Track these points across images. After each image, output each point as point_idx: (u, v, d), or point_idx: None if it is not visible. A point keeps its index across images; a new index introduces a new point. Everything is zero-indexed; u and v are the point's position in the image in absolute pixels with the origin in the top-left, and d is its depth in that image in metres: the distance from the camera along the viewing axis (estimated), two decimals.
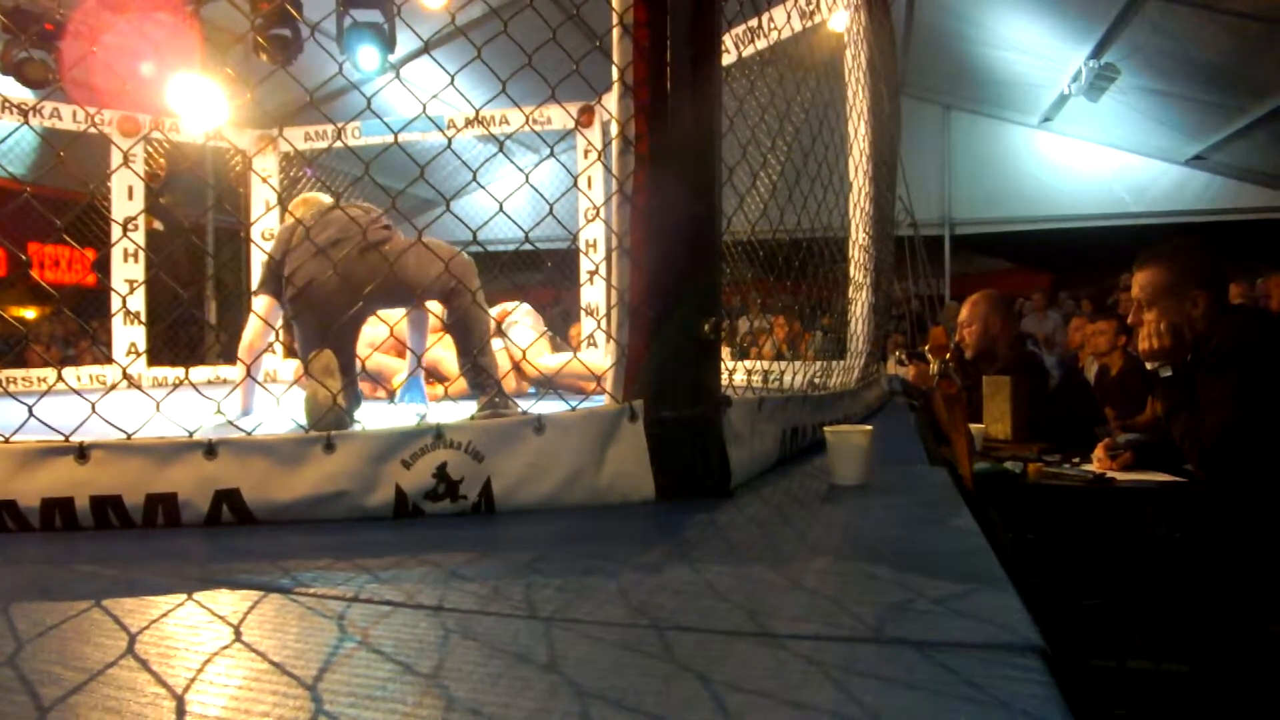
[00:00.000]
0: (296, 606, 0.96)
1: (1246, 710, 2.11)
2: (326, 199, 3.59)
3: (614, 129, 1.62)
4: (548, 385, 4.56)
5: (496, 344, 4.67)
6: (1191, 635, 2.34)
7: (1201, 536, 2.44)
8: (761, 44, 3.64)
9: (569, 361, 4.23)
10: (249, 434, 1.41)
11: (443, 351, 4.66)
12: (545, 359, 4.55)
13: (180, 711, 0.69)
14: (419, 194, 8.27)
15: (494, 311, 4.79)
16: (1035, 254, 12.99)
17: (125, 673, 0.77)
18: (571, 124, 5.85)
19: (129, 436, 1.38)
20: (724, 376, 1.63)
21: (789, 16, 2.96)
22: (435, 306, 3.30)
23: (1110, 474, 2.81)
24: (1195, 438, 2.31)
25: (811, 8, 3.35)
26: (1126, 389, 4.57)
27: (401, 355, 4.67)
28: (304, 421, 2.42)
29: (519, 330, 4.75)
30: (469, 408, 2.91)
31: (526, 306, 4.86)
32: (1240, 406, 2.21)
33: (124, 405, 1.40)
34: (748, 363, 3.45)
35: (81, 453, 1.34)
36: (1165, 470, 2.78)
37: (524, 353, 4.52)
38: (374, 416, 3.03)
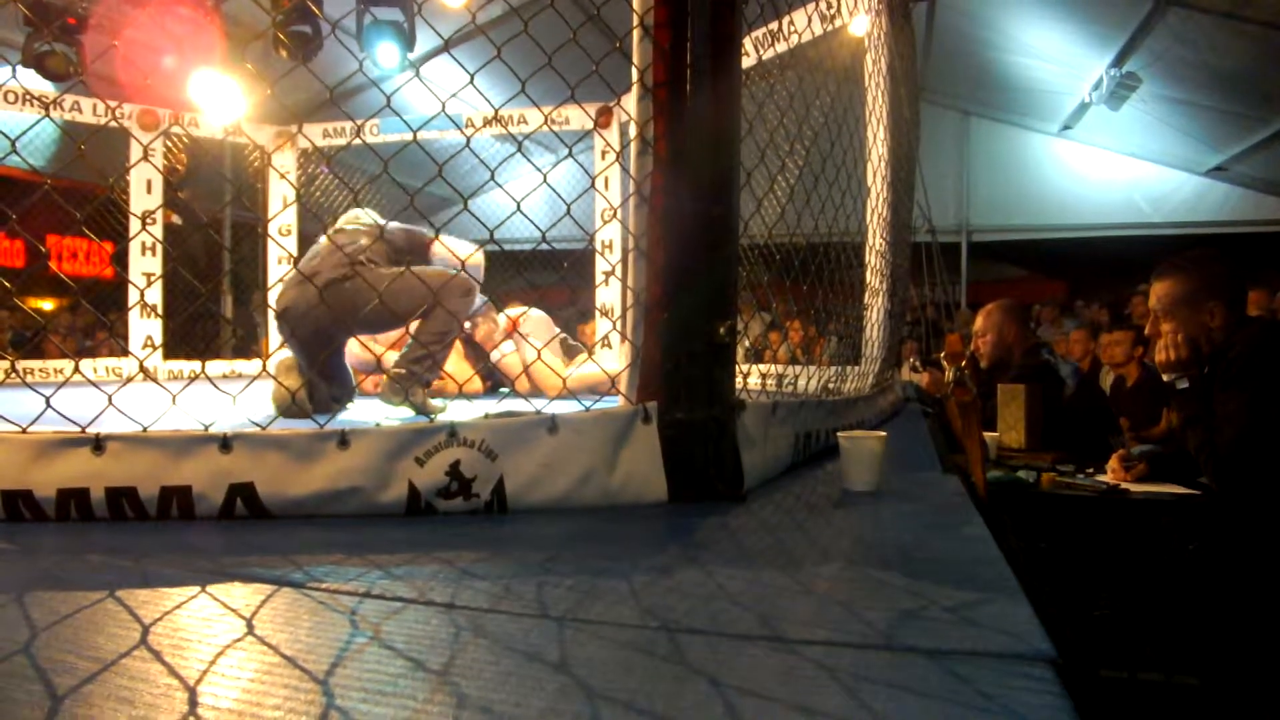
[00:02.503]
0: (309, 601, 0.97)
1: None
2: (367, 220, 3.55)
3: (633, 130, 1.62)
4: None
5: (508, 346, 4.67)
6: (1203, 648, 2.32)
7: (1215, 549, 2.42)
8: (782, 47, 3.64)
9: (584, 367, 4.20)
10: (263, 428, 1.42)
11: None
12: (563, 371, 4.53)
13: (192, 703, 0.69)
14: (436, 192, 8.28)
15: (505, 315, 4.78)
16: (1052, 262, 12.91)
17: (138, 663, 0.77)
18: (590, 125, 5.86)
19: (145, 429, 1.39)
20: (738, 380, 1.63)
21: (809, 20, 2.95)
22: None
23: (1124, 485, 2.80)
24: (1211, 450, 2.29)
25: (832, 12, 3.34)
26: (1142, 400, 4.55)
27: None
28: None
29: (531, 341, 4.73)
30: (482, 406, 2.93)
31: (539, 314, 4.83)
32: (1256, 419, 2.20)
33: (140, 398, 1.40)
34: (762, 366, 3.44)
35: (98, 444, 1.35)
36: (1180, 483, 2.76)
37: (531, 363, 4.51)
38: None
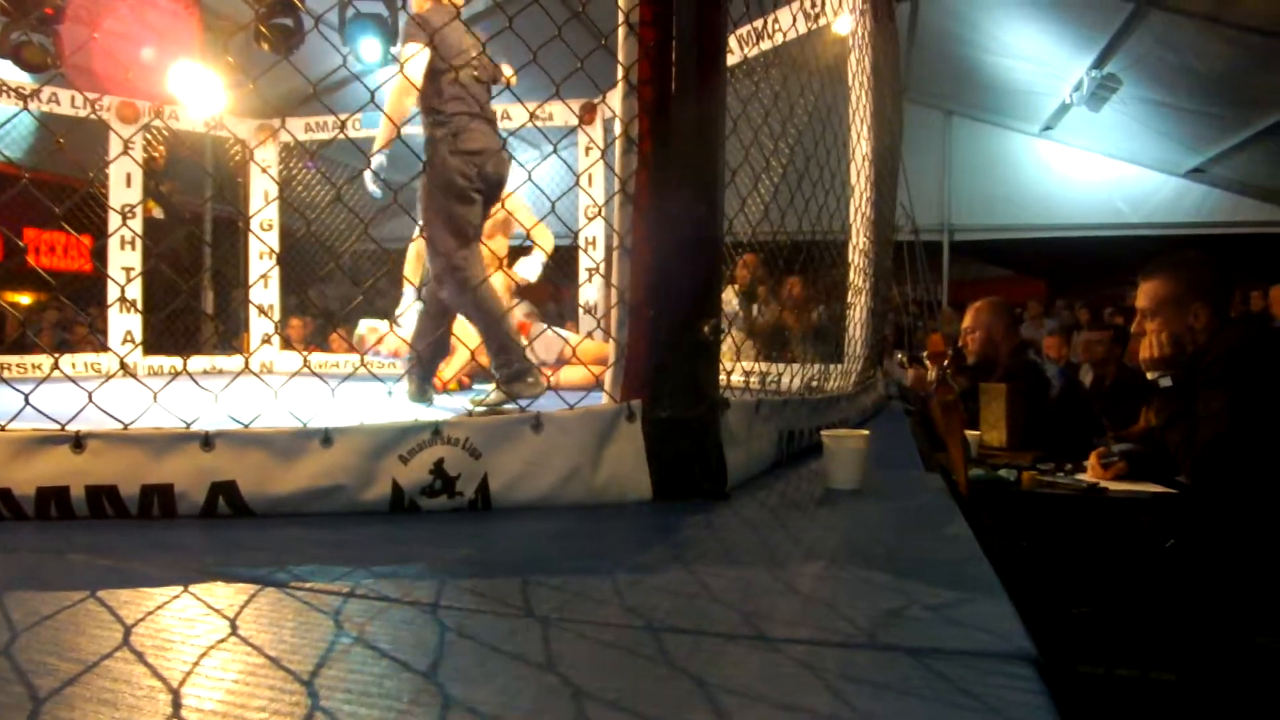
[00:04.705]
0: (293, 601, 0.96)
1: None
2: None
3: (617, 127, 1.62)
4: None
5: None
6: (1180, 644, 2.35)
7: (1192, 547, 2.44)
8: (766, 45, 3.65)
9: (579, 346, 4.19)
10: (246, 426, 1.41)
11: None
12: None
13: (176, 705, 0.69)
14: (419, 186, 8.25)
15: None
16: (1032, 262, 13.01)
17: (121, 665, 0.77)
18: (574, 121, 5.85)
19: (126, 426, 1.38)
20: (722, 378, 1.63)
21: (794, 18, 2.96)
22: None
23: (1103, 484, 2.82)
24: (1189, 448, 2.32)
25: (816, 10, 3.35)
26: (1120, 399, 4.58)
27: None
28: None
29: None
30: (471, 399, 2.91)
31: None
32: (1235, 419, 2.22)
33: (120, 395, 1.39)
34: (746, 364, 3.45)
35: (78, 442, 1.34)
36: (1158, 481, 2.78)
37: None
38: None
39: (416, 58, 2.80)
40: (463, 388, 4.48)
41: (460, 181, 2.83)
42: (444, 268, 2.89)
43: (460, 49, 2.84)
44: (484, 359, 3.93)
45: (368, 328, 4.67)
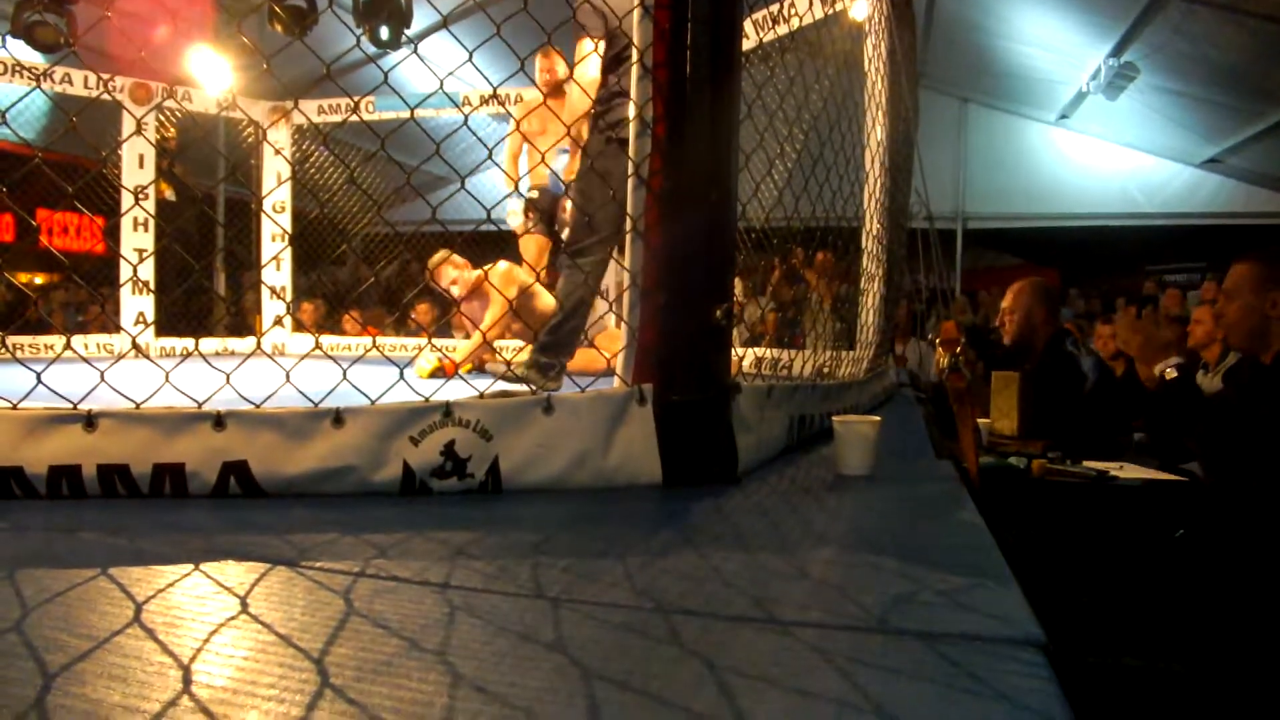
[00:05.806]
0: (303, 580, 0.96)
1: (1240, 713, 2.12)
2: None
3: (631, 111, 1.61)
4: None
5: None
6: (1188, 635, 2.34)
7: (1202, 535, 2.44)
8: (782, 30, 3.62)
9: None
10: (258, 406, 1.41)
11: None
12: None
13: (186, 681, 0.69)
14: (432, 170, 8.23)
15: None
16: (1046, 251, 12.90)
17: (132, 641, 0.77)
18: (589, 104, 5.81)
19: (137, 406, 1.39)
20: (733, 363, 1.63)
21: (811, 3, 2.93)
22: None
23: (1113, 472, 2.81)
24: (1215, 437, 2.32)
25: None
26: (1132, 390, 4.55)
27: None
28: None
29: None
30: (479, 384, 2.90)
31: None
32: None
33: (132, 374, 1.40)
34: (758, 350, 3.44)
35: (89, 421, 1.34)
36: (1167, 469, 2.78)
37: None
38: None
39: (594, 54, 2.69)
40: (480, 368, 4.48)
41: (615, 168, 2.72)
42: (582, 245, 2.80)
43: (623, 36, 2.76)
44: (501, 335, 3.90)
45: (445, 253, 4.57)
